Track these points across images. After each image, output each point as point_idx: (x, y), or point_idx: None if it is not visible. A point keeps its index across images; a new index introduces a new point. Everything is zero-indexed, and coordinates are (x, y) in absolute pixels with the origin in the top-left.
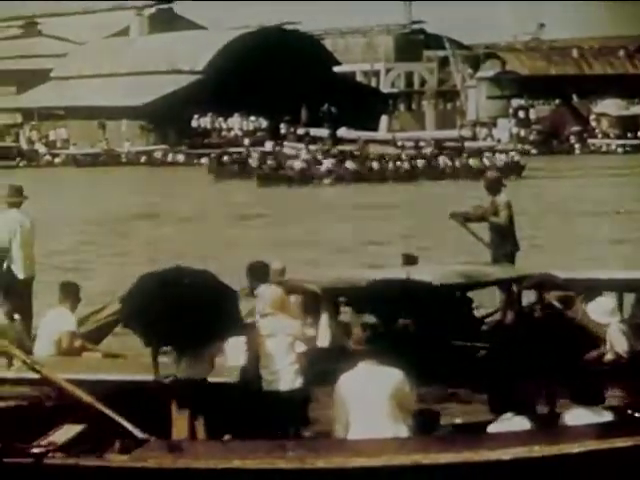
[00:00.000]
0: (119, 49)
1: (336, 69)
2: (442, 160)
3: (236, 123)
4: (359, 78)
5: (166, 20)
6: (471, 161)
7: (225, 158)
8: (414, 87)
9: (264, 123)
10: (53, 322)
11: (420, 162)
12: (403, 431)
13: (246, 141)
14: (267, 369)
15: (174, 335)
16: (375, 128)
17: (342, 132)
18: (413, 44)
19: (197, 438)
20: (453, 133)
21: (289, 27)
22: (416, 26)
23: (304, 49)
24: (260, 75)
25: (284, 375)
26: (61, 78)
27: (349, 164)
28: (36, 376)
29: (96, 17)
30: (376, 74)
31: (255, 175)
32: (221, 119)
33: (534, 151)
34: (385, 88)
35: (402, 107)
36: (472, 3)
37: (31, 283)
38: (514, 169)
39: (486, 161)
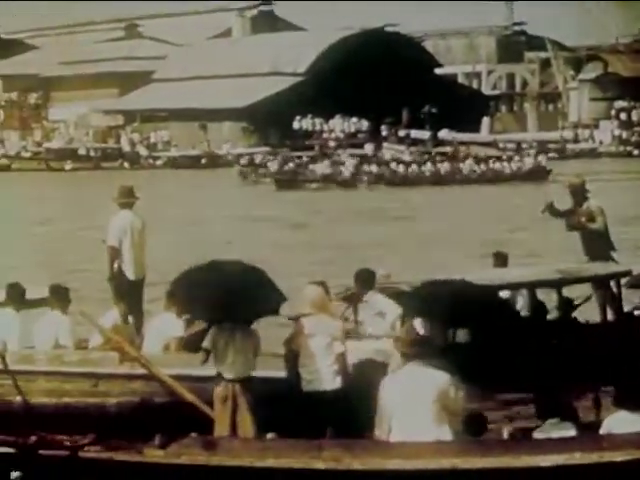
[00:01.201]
0: (221, 51)
1: (437, 71)
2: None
3: (337, 125)
4: (460, 80)
5: (267, 22)
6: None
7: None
8: (516, 89)
9: (365, 125)
10: (162, 327)
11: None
12: (447, 435)
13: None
14: (306, 368)
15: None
16: (477, 130)
17: (443, 134)
18: (515, 45)
19: (239, 435)
20: (555, 135)
21: (390, 29)
22: (518, 27)
23: (405, 51)
24: (361, 77)
25: (323, 375)
26: (163, 80)
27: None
28: (147, 373)
29: (198, 19)
30: (477, 76)
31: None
32: (322, 121)
33: (636, 152)
34: (486, 90)
35: (504, 109)
36: (574, 4)
37: (142, 284)
38: (539, 173)
39: (513, 165)
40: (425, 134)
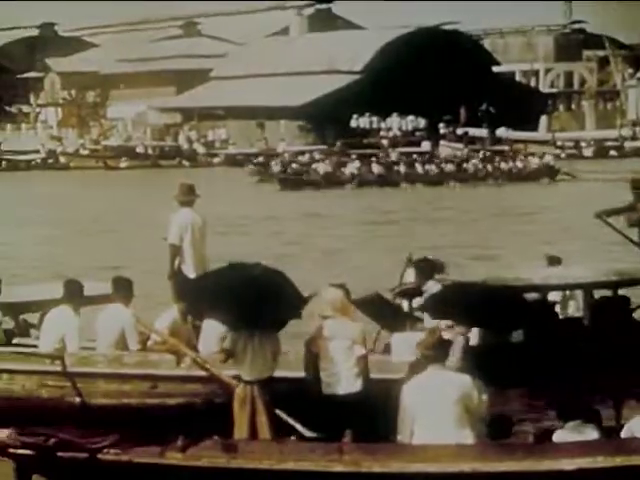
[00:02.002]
0: (278, 49)
1: (495, 69)
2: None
3: (395, 123)
4: (518, 78)
5: (325, 20)
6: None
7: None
8: (574, 87)
9: (422, 123)
10: (219, 326)
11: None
12: (468, 437)
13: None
14: (326, 371)
15: (245, 320)
16: (535, 128)
17: (501, 132)
18: (573, 44)
19: (259, 437)
20: (613, 133)
21: (448, 27)
22: (576, 26)
23: (463, 49)
24: (419, 75)
25: (343, 378)
26: (221, 78)
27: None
28: (205, 374)
29: (255, 17)
30: (535, 74)
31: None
32: (379, 119)
33: None
34: (544, 88)
35: (561, 107)
36: (633, 3)
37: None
38: (548, 172)
39: (519, 164)
40: (483, 132)
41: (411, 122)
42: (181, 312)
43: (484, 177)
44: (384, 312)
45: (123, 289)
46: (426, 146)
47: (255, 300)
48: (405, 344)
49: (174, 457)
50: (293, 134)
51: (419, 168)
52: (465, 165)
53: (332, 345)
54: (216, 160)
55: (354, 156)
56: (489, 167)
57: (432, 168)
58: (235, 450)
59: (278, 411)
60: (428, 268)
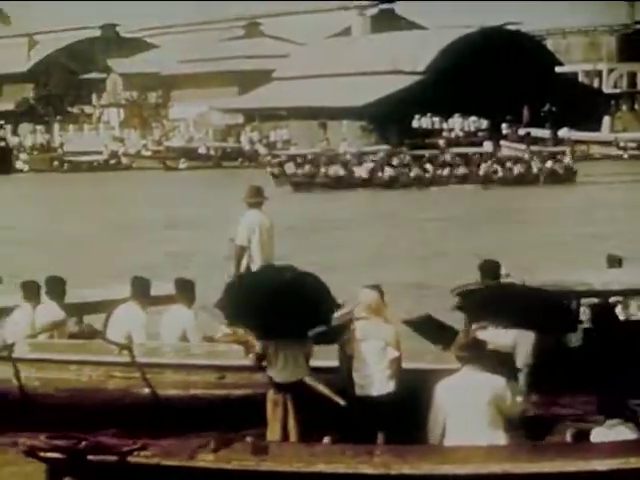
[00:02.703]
0: (341, 49)
1: (558, 69)
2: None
3: (457, 123)
4: (581, 78)
5: (387, 20)
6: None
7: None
8: (637, 87)
9: (485, 123)
10: None
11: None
12: (501, 439)
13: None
14: (359, 373)
15: (276, 328)
16: (597, 129)
17: (563, 132)
18: (636, 44)
19: (290, 439)
20: None
21: (511, 27)
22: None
23: (526, 49)
24: (481, 75)
25: (375, 380)
26: (283, 79)
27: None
28: None
29: (318, 17)
30: (598, 74)
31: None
32: (442, 119)
33: None
34: (607, 88)
35: (624, 107)
36: None
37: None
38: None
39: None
40: (545, 133)
41: (473, 123)
42: None
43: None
44: (436, 332)
45: (185, 290)
46: (488, 146)
47: (287, 304)
48: None
49: (203, 460)
50: (355, 134)
51: (478, 168)
52: (519, 165)
53: (365, 346)
54: (277, 161)
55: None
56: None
57: (495, 168)
58: (265, 452)
59: (310, 380)
60: (492, 269)
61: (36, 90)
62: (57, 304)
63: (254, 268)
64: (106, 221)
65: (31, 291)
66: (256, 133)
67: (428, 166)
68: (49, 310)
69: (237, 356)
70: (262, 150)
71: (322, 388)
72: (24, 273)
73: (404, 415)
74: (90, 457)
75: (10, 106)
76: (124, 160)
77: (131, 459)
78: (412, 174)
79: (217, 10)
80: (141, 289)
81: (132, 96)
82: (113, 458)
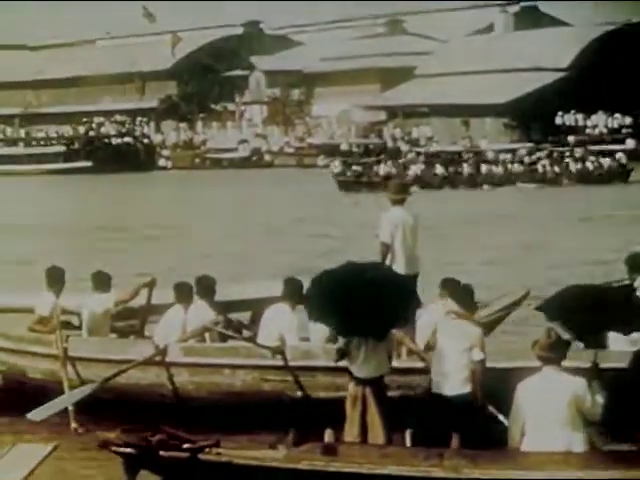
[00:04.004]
0: (483, 47)
1: None
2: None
3: (600, 120)
4: None
5: (530, 17)
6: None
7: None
8: None
9: (628, 120)
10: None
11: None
12: (579, 441)
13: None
14: (436, 370)
15: (360, 324)
16: None
17: None
18: None
19: (369, 436)
20: None
21: None
22: None
23: None
24: (625, 72)
25: (452, 380)
26: (425, 76)
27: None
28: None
29: (460, 14)
30: None
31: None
32: (585, 116)
33: None
34: None
35: None
36: None
37: (414, 280)
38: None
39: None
40: None
41: (616, 119)
42: None
43: None
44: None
45: (292, 290)
46: (630, 144)
47: (371, 301)
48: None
49: (274, 459)
50: (498, 131)
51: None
52: None
53: (448, 344)
54: (420, 158)
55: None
56: None
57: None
58: (335, 453)
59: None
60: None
61: (179, 87)
62: (208, 304)
63: (396, 266)
64: (251, 219)
65: (183, 292)
66: (398, 130)
67: (571, 162)
68: (200, 311)
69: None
70: (404, 147)
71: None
72: (174, 273)
73: (480, 417)
74: (161, 453)
75: (153, 103)
76: (266, 157)
77: (202, 456)
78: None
79: (360, 8)
80: (293, 290)
81: (275, 93)
82: (184, 454)
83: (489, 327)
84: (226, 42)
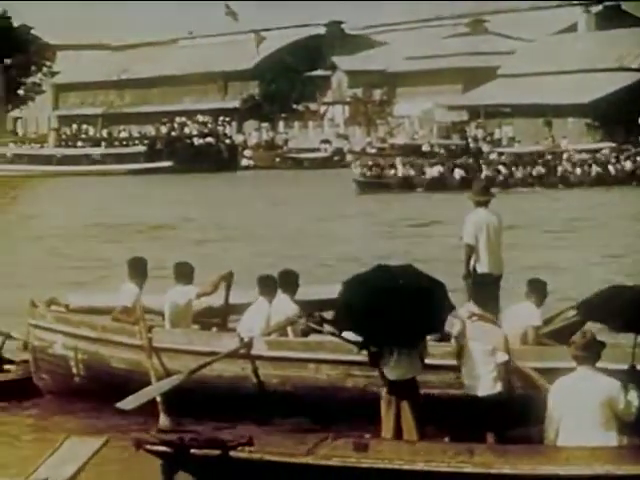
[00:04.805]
0: (566, 46)
1: None
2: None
3: None
4: None
5: (613, 17)
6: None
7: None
8: None
9: None
10: (520, 316)
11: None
12: (613, 440)
13: None
14: (467, 372)
15: (393, 333)
16: None
17: None
18: None
19: (404, 437)
20: None
21: None
22: None
23: None
24: None
25: (482, 381)
26: (508, 76)
27: None
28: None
29: (543, 14)
30: None
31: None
32: None
33: None
34: None
35: None
36: None
37: (497, 281)
38: None
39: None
40: None
41: None
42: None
43: None
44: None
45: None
46: None
47: (403, 306)
48: None
49: (303, 456)
50: (580, 132)
51: None
52: None
53: (474, 347)
54: (503, 158)
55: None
56: None
57: None
58: (365, 449)
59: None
60: None
61: (261, 87)
62: (290, 298)
63: (480, 268)
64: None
65: (267, 286)
66: (481, 130)
67: None
68: (284, 304)
69: None
70: (486, 147)
71: None
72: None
73: (513, 417)
74: (193, 451)
75: (235, 103)
76: (348, 157)
77: (234, 454)
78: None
79: (442, 7)
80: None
81: (357, 93)
82: (216, 452)
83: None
84: (309, 42)
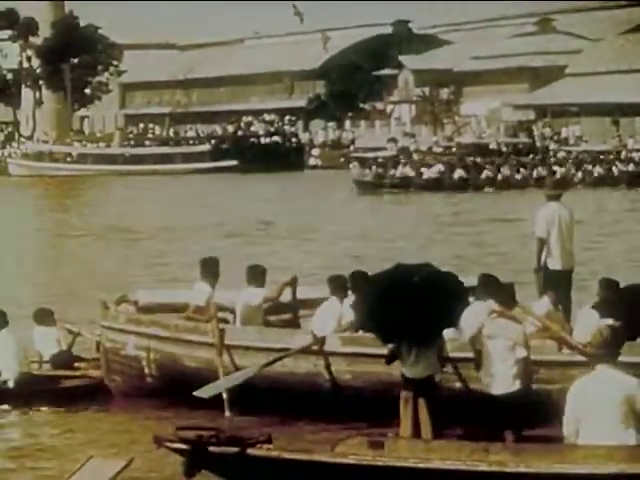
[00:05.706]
0: (634, 46)
1: None
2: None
3: None
4: None
5: None
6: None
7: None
8: None
9: None
10: (589, 320)
11: None
12: (632, 439)
13: None
14: (485, 370)
15: (411, 330)
16: None
17: None
18: None
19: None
20: None
21: None
22: None
23: None
24: None
25: (501, 379)
26: (575, 75)
27: None
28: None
29: (610, 13)
30: None
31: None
32: None
33: None
34: None
35: None
36: None
37: (569, 275)
38: None
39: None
40: None
41: None
42: (553, 303)
43: None
44: None
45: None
46: None
47: (421, 303)
48: None
49: (322, 454)
50: None
51: None
52: None
53: (492, 344)
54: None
55: None
56: None
57: None
58: (381, 447)
59: None
60: None
61: (328, 87)
62: None
63: (551, 262)
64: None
65: (338, 285)
66: (548, 129)
67: None
68: None
69: (551, 351)
70: (553, 146)
71: None
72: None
73: (531, 414)
74: (211, 449)
75: (302, 103)
76: (415, 156)
77: (251, 451)
78: None
79: (509, 6)
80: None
81: (424, 92)
82: (234, 450)
83: None
84: (375, 41)
